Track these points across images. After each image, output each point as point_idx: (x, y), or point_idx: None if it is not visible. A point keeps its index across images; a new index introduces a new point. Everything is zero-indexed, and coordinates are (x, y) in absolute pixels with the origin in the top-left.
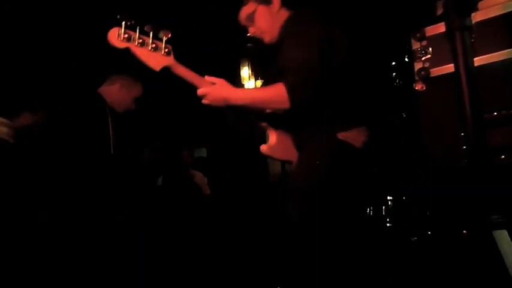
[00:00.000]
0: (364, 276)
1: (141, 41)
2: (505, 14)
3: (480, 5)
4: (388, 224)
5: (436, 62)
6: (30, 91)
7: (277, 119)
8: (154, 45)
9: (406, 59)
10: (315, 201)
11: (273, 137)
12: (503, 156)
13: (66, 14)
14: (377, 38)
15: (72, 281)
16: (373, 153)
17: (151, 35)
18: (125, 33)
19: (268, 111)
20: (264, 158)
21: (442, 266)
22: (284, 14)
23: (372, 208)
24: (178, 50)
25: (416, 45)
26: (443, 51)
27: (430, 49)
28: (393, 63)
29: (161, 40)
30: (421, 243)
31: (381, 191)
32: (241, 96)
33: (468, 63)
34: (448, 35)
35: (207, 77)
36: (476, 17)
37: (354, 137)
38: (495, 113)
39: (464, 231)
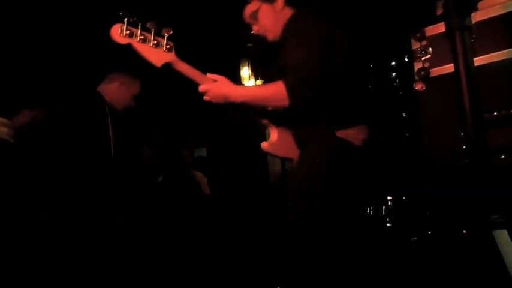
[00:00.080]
0: (364, 276)
1: (142, 37)
2: (505, 14)
3: (480, 5)
4: (388, 224)
5: (436, 62)
6: (29, 90)
7: (279, 116)
8: (156, 42)
9: (406, 59)
10: (314, 201)
11: (274, 134)
12: (503, 156)
13: (66, 14)
14: (377, 38)
15: (73, 281)
16: (373, 152)
17: (153, 31)
18: (127, 29)
19: (269, 108)
20: (264, 157)
21: (442, 266)
22: (287, 12)
23: (371, 208)
24: (178, 49)
25: (416, 45)
26: (443, 51)
27: (430, 49)
28: (393, 63)
29: (163, 37)
30: (421, 243)
31: (381, 191)
32: (241, 94)
33: (468, 63)
34: (448, 35)
35: (209, 75)
36: (476, 17)
37: (354, 135)
38: (495, 113)
39: (464, 231)
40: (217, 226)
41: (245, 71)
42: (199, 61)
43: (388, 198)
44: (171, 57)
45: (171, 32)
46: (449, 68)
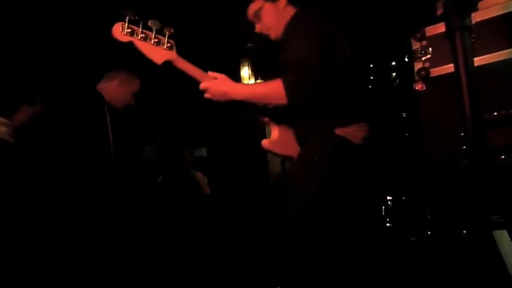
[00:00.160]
0: (363, 276)
1: (143, 35)
2: (505, 14)
3: (480, 5)
4: (387, 224)
5: (436, 62)
6: (29, 90)
7: (280, 114)
8: (156, 40)
9: (406, 59)
10: (314, 201)
11: (275, 132)
12: (503, 156)
13: (66, 14)
14: (377, 38)
15: (73, 281)
16: (373, 150)
17: (154, 30)
18: (128, 27)
19: (270, 106)
20: (264, 157)
21: (442, 266)
22: (290, 11)
23: (371, 208)
24: (178, 49)
25: (416, 45)
26: (443, 51)
27: (430, 49)
28: (393, 63)
29: (164, 35)
30: (420, 243)
31: (381, 190)
32: (240, 91)
33: (468, 63)
34: (448, 35)
35: (210, 73)
36: (476, 17)
37: (353, 132)
38: (495, 113)
39: (464, 231)
40: (217, 226)
41: (245, 71)
42: (199, 61)
43: (388, 198)
44: (171, 55)
45: (172, 31)
46: (449, 68)
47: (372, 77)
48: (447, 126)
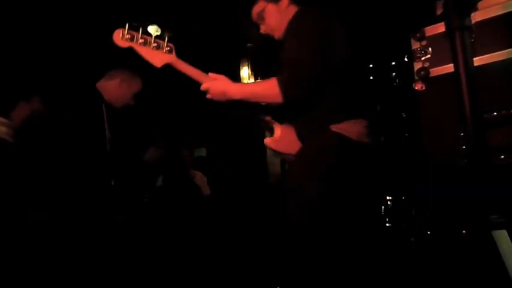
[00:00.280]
0: (363, 276)
1: (142, 40)
2: (504, 14)
3: (480, 5)
4: (387, 224)
5: (435, 62)
6: (29, 89)
7: (282, 113)
8: (156, 44)
9: (406, 59)
10: (314, 201)
11: (277, 130)
12: (502, 156)
13: (66, 14)
14: (377, 38)
15: (73, 281)
16: (371, 145)
17: (153, 34)
18: (128, 33)
19: (274, 105)
20: (264, 157)
21: (441, 266)
22: (292, 10)
23: (371, 208)
24: (178, 50)
25: (416, 45)
26: (443, 51)
27: (430, 49)
28: (393, 63)
29: (163, 39)
30: (420, 243)
31: (381, 190)
32: (238, 91)
33: (468, 63)
34: (448, 35)
35: (210, 74)
36: (476, 17)
37: (349, 128)
38: (495, 113)
39: (464, 231)
40: (217, 226)
41: (245, 71)
42: (199, 61)
43: (388, 198)
44: (171, 58)
45: (171, 35)
46: (449, 68)
47: (371, 77)
48: (447, 126)
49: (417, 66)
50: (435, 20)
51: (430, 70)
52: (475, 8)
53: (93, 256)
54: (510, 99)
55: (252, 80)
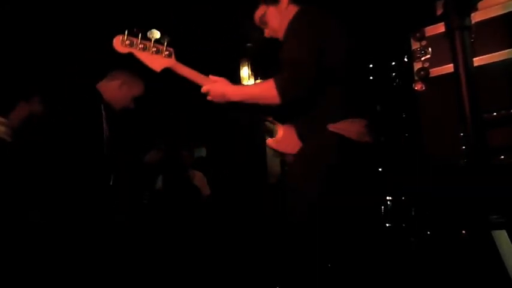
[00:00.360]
0: (363, 276)
1: (142, 46)
2: (504, 14)
3: (480, 5)
4: (387, 224)
5: (435, 62)
6: (28, 89)
7: (283, 113)
8: (155, 49)
9: (406, 59)
10: (314, 201)
11: (280, 131)
12: (502, 156)
13: (66, 14)
14: (377, 38)
15: (72, 281)
16: (371, 144)
17: (152, 39)
18: (127, 39)
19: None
20: (263, 158)
21: (441, 266)
22: (292, 10)
23: (371, 208)
24: (178, 50)
25: (415, 45)
26: (443, 51)
27: (430, 49)
28: (393, 63)
29: (163, 43)
30: (420, 243)
31: (381, 190)
32: (237, 92)
33: (468, 63)
34: (448, 35)
35: (211, 76)
36: (476, 17)
37: (348, 127)
38: (495, 113)
39: (464, 232)
40: (216, 226)
41: (245, 71)
42: (199, 61)
43: (388, 198)
44: (170, 62)
45: (170, 39)
46: (449, 68)
47: (371, 77)
48: (447, 126)
49: (417, 66)
50: (435, 20)
51: (430, 70)
52: (475, 8)
53: (93, 256)
54: (510, 99)
55: (252, 80)
